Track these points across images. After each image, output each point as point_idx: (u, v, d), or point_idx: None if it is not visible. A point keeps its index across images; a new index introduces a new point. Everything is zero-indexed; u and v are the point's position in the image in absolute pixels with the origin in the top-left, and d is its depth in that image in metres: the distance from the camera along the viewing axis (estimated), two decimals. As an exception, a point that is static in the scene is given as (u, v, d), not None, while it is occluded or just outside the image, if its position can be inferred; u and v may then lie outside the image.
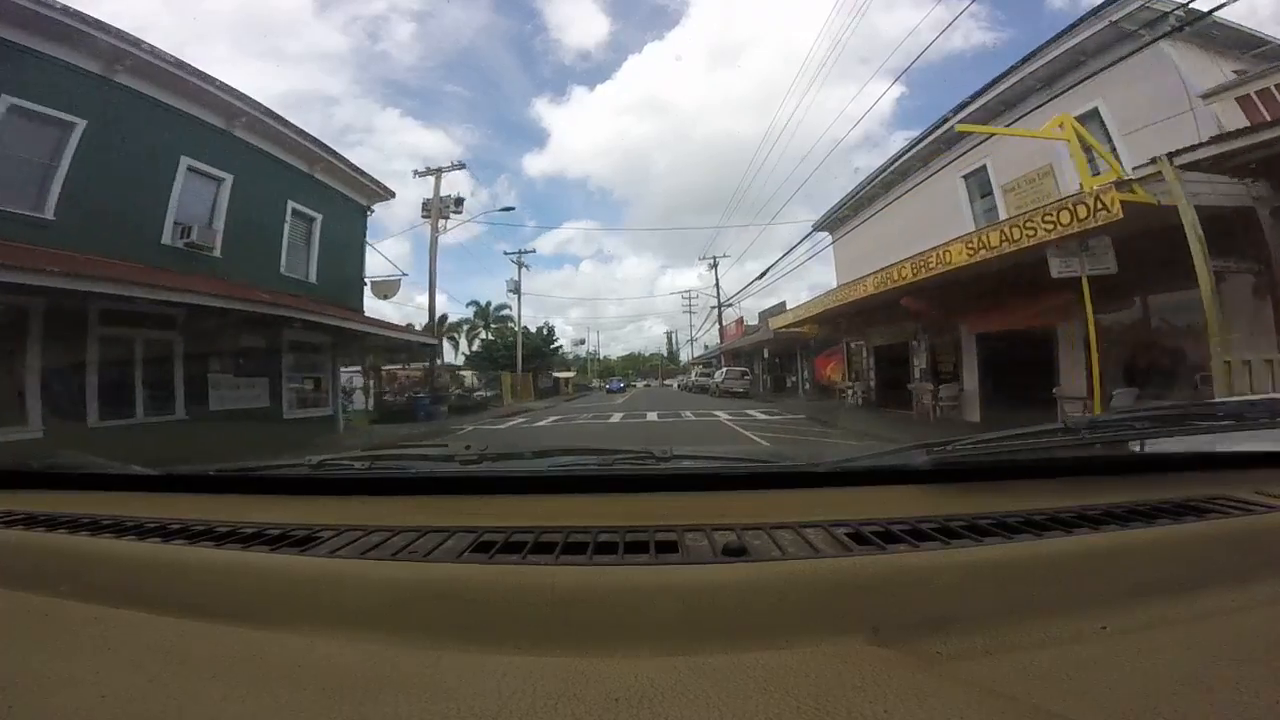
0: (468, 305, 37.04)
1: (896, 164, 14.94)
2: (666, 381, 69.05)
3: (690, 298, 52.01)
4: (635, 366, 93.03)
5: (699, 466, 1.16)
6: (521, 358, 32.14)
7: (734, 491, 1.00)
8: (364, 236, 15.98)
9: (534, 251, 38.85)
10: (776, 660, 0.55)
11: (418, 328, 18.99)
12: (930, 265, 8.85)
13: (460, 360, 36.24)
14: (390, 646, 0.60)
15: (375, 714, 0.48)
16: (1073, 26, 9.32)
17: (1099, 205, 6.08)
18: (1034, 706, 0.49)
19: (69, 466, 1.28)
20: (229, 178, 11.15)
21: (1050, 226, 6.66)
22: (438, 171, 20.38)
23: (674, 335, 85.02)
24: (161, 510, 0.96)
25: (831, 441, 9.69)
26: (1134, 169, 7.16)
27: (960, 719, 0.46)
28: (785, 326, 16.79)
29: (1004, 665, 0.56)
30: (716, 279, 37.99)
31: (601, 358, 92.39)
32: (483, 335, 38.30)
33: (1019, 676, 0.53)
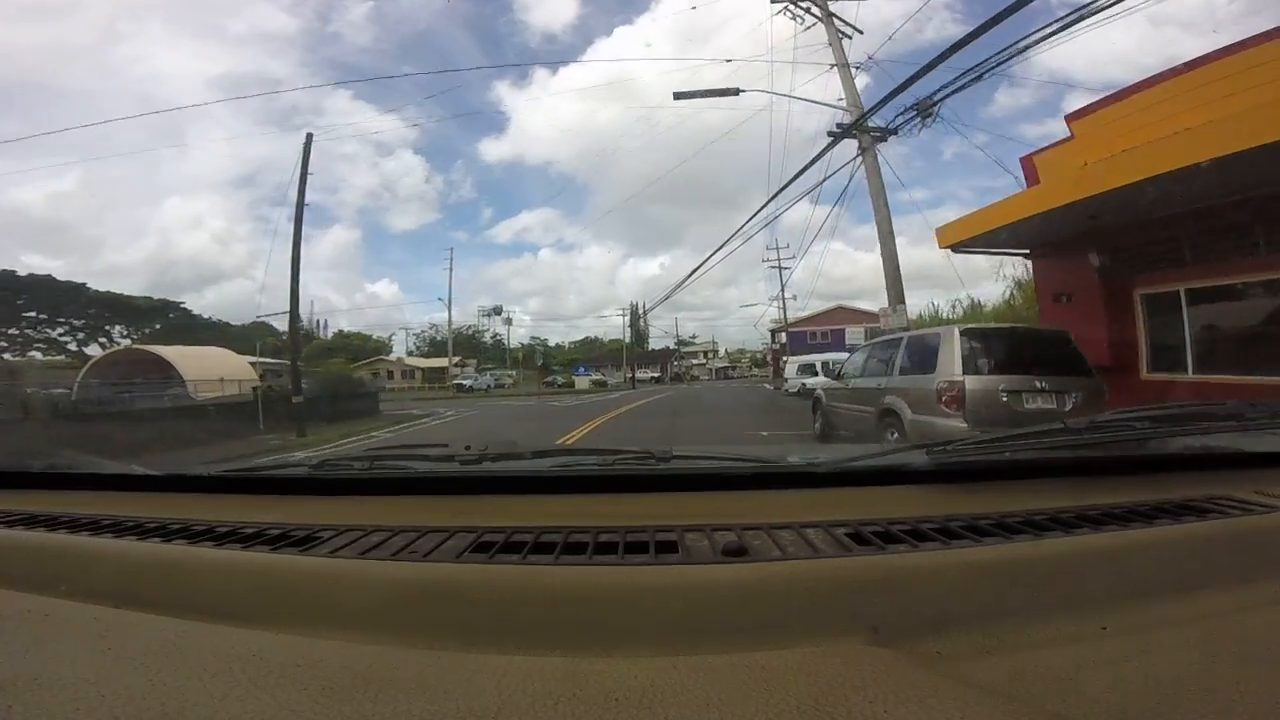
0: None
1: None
2: (644, 375, 46.48)
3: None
4: (590, 353, 66.54)
5: (699, 467, 1.16)
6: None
7: (734, 491, 1.00)
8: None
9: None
10: (776, 660, 0.55)
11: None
12: None
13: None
14: (390, 646, 0.60)
15: (375, 714, 0.48)
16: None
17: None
18: (1034, 706, 0.49)
19: (69, 466, 1.28)
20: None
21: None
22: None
23: (640, 306, 63.52)
24: (161, 510, 0.96)
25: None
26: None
27: (960, 719, 0.46)
28: None
29: (1004, 665, 0.56)
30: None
31: (552, 345, 68.63)
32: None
33: (1019, 676, 0.53)
